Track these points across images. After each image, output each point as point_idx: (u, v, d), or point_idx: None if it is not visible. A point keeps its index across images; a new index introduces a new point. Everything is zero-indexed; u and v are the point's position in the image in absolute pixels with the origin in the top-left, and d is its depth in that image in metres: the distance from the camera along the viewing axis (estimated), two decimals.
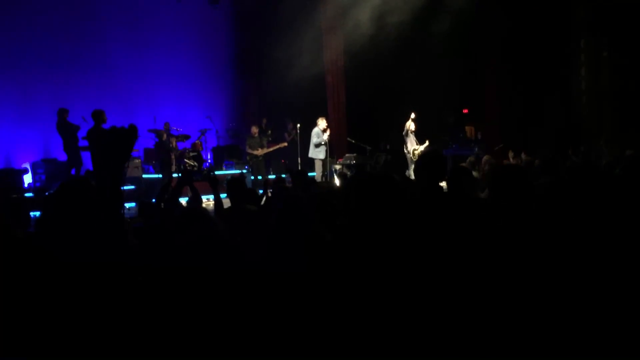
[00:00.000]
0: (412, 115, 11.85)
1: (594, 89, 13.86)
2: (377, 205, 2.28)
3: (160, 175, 11.12)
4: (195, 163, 12.47)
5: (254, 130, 12.48)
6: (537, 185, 4.05)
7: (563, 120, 13.33)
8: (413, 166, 11.45)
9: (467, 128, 14.18)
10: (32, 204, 8.03)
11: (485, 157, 8.01)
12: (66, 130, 9.98)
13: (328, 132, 11.60)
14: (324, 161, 11.65)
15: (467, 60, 14.08)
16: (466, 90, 14.27)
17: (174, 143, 11.59)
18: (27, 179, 10.30)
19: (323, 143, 11.55)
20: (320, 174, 11.48)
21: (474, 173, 6.34)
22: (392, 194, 2.30)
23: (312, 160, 11.71)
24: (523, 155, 8.96)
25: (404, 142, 12.15)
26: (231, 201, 4.98)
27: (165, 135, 11.40)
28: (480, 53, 14.36)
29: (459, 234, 2.79)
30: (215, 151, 13.68)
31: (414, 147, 12.00)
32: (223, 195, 4.97)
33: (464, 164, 7.62)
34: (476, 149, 12.20)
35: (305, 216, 2.80)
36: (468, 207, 3.33)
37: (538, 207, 3.05)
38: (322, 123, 11.57)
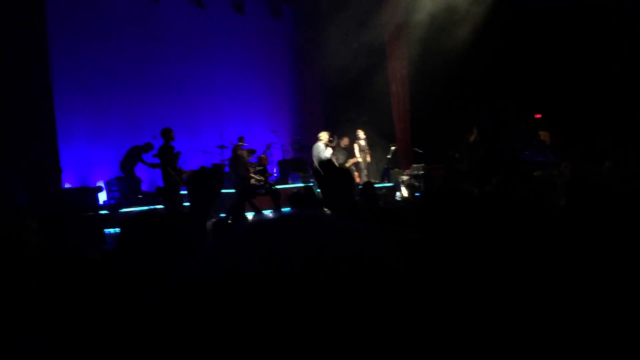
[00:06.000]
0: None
1: None
2: (455, 222, 2.12)
3: (234, 190, 10.96)
4: (262, 177, 12.50)
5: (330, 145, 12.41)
6: (618, 194, 3.74)
7: None
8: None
9: (541, 133, 13.53)
10: (107, 222, 8.31)
11: (564, 164, 7.61)
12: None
13: (329, 147, 11.35)
14: None
15: (538, 60, 13.41)
16: (538, 93, 13.61)
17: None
18: (102, 196, 10.62)
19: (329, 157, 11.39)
20: None
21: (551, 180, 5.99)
22: (469, 210, 2.14)
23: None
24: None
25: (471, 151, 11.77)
26: None
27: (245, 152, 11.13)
28: (549, 54, 13.66)
29: (539, 247, 2.58)
30: (281, 165, 13.74)
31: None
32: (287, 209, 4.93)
33: (537, 173, 7.25)
34: (552, 156, 11.64)
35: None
36: (547, 219, 3.09)
37: (618, 218, 2.79)
38: (324, 136, 11.31)
